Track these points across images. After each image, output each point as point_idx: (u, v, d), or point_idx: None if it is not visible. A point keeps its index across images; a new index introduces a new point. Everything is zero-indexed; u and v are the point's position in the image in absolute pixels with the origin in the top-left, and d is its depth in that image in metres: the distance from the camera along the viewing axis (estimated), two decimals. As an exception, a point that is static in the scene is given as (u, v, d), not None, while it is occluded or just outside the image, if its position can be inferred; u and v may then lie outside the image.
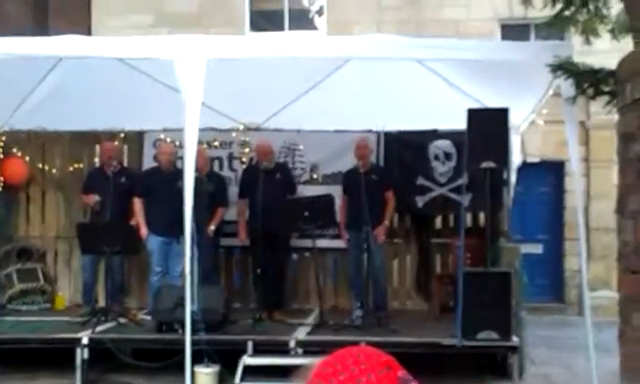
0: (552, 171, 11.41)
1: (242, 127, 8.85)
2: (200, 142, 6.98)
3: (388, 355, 1.32)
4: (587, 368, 5.45)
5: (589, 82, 4.73)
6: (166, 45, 6.04)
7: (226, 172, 8.74)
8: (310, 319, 7.55)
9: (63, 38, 6.24)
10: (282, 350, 6.49)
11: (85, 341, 6.51)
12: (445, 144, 8.51)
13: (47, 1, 11.58)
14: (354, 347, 1.34)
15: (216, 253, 8.20)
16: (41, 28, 10.80)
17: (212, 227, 7.70)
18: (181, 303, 6.08)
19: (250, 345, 6.44)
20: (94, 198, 7.88)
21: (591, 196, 11.13)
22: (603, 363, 5.47)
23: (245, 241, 8.01)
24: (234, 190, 8.34)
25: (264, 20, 12.41)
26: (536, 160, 10.72)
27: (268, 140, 8.11)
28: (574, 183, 6.49)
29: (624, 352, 2.82)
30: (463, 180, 7.16)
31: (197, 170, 6.44)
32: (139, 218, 7.76)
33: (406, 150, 8.66)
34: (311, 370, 1.32)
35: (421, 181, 8.57)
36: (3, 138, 8.83)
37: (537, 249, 11.25)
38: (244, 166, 8.66)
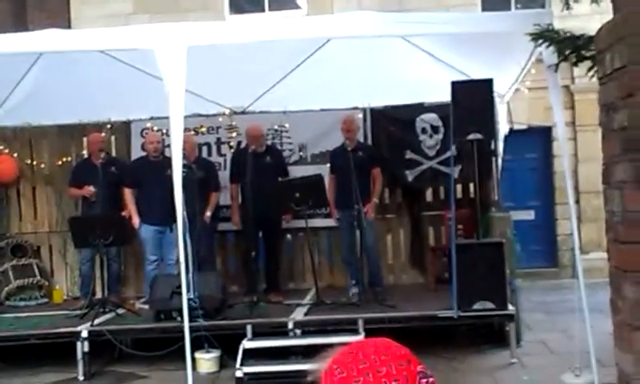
0: (539, 137, 11.45)
1: (227, 111, 8.83)
2: (187, 129, 6.97)
3: (406, 349, 1.34)
4: (583, 330, 5.52)
5: (570, 48, 4.75)
6: (146, 34, 5.97)
7: (214, 157, 8.74)
8: (307, 299, 7.60)
9: (42, 33, 6.17)
10: (280, 331, 6.55)
11: (84, 334, 6.56)
12: (431, 117, 8.51)
13: (25, -6, 11.47)
14: (375, 338, 1.35)
15: (212, 238, 8.22)
16: (20, 22, 10.70)
17: (208, 213, 7.70)
18: (178, 291, 6.10)
19: (249, 328, 6.49)
20: (90, 190, 7.85)
21: (579, 159, 11.19)
22: (599, 325, 5.52)
23: (238, 225, 8.03)
24: (223, 175, 8.34)
25: (243, 1, 12.32)
26: (523, 127, 10.75)
27: (258, 124, 8.09)
28: (561, 148, 6.50)
29: (616, 322, 2.85)
30: (451, 152, 7.18)
31: (184, 157, 6.45)
32: (131, 208, 7.77)
33: (393, 125, 8.67)
34: (330, 357, 1.33)
35: (409, 155, 8.59)
36: (-11, 136, 8.82)
37: (529, 215, 11.31)
38: (233, 151, 8.67)
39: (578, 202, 10.72)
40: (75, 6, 11.98)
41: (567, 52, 4.79)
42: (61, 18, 11.18)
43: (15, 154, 8.92)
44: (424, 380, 1.30)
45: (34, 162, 9.04)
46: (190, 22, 6.36)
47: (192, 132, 8.27)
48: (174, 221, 6.11)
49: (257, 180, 7.37)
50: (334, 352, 1.34)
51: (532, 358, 6.47)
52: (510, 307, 6.44)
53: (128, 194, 7.81)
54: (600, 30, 2.95)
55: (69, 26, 11.21)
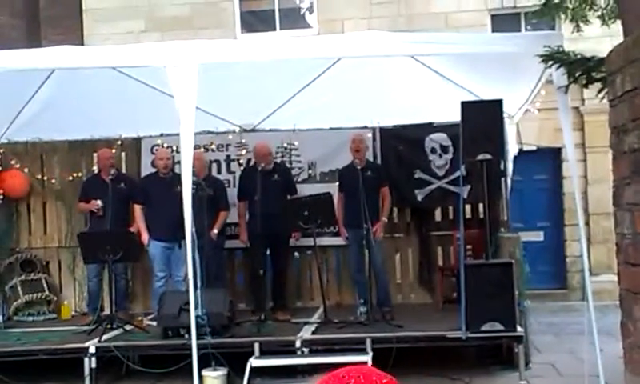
0: (549, 158, 11.44)
1: (237, 129, 8.87)
2: (197, 146, 7.00)
3: (390, 376, 1.33)
4: (592, 353, 5.47)
5: (580, 70, 4.76)
6: (158, 52, 6.04)
7: (224, 175, 8.76)
8: (315, 317, 7.56)
9: (55, 50, 6.25)
10: (288, 350, 6.52)
11: (92, 350, 6.53)
12: (441, 137, 8.52)
13: (38, 12, 11.59)
14: (357, 367, 1.35)
15: (221, 255, 8.22)
16: (34, 39, 10.82)
17: (215, 231, 7.71)
18: (185, 308, 6.10)
19: (256, 346, 6.46)
20: (97, 203, 7.89)
21: (589, 181, 11.16)
22: (608, 347, 5.50)
23: (246, 242, 8.03)
24: (232, 192, 8.36)
25: (255, 20, 12.43)
26: (533, 148, 10.75)
27: (266, 142, 8.12)
28: (571, 169, 6.49)
29: (627, 344, 2.83)
30: (461, 172, 7.17)
31: (194, 174, 6.47)
32: (140, 224, 7.78)
33: (402, 144, 8.67)
34: None
35: (419, 174, 8.59)
36: (1, 151, 8.87)
37: (538, 237, 11.29)
38: (242, 168, 8.69)
39: (587, 223, 10.68)
40: (88, 23, 12.11)
41: (577, 74, 4.80)
42: (74, 34, 11.30)
43: (26, 169, 8.96)
44: None
45: (45, 178, 9.08)
46: (201, 40, 6.42)
47: (202, 149, 8.30)
48: (183, 237, 6.12)
49: (265, 198, 7.38)
50: (317, 380, 1.34)
51: (541, 380, 6.41)
52: (519, 329, 6.39)
53: (138, 210, 7.83)
54: (611, 52, 2.96)
55: (82, 43, 11.34)
